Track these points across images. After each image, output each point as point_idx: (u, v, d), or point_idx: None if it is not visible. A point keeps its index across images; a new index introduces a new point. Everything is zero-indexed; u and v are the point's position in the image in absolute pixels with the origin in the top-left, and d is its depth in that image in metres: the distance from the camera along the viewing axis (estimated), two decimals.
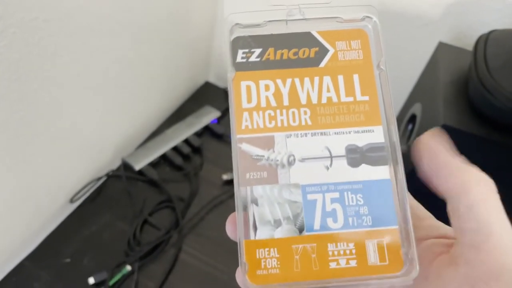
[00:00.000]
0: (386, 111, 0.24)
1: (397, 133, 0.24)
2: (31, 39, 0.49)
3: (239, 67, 0.25)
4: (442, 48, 0.66)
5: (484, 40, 0.57)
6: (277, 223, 0.23)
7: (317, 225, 0.23)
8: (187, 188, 0.73)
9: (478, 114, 0.54)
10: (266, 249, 0.23)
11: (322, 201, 0.23)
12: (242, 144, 0.24)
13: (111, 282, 0.59)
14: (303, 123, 0.24)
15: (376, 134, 0.24)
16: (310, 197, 0.23)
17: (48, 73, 0.53)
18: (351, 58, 0.25)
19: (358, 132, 0.24)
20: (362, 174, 0.24)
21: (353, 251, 0.23)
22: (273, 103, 0.24)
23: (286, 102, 0.24)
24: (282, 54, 0.25)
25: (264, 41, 0.25)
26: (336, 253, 0.23)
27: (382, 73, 0.25)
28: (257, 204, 0.23)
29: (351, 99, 0.24)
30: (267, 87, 0.24)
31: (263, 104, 0.24)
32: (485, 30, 0.59)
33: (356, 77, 0.25)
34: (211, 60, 0.97)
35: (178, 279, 0.62)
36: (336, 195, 0.23)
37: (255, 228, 0.23)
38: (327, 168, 0.24)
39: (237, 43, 0.25)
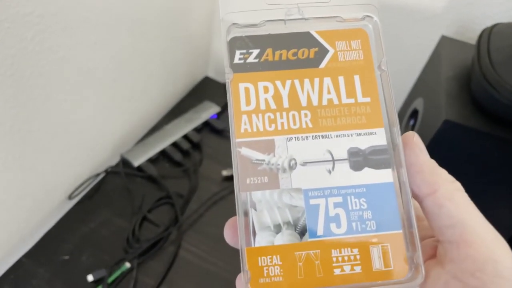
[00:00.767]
0: (388, 112, 0.24)
1: (400, 136, 0.23)
2: (26, 34, 0.48)
3: (236, 68, 0.24)
4: (444, 42, 0.65)
5: (488, 34, 0.56)
6: (277, 229, 0.23)
7: (320, 230, 0.22)
8: (187, 184, 0.72)
9: (481, 109, 0.54)
10: (269, 257, 0.22)
11: (325, 206, 0.23)
12: (242, 149, 0.23)
13: (110, 279, 0.59)
14: (304, 126, 0.23)
15: (378, 137, 0.24)
16: (312, 202, 0.23)
17: (43, 68, 0.53)
18: (352, 58, 0.24)
19: (360, 134, 0.24)
20: (365, 177, 0.23)
21: (358, 256, 0.22)
22: (273, 105, 0.24)
23: (286, 105, 0.24)
24: (281, 55, 0.24)
25: (262, 41, 0.24)
26: (340, 259, 0.22)
27: (384, 74, 0.24)
28: (255, 209, 0.23)
29: (352, 100, 0.24)
30: (266, 89, 0.24)
31: (263, 106, 0.24)
32: (488, 23, 0.59)
33: (357, 78, 0.24)
34: (211, 55, 0.96)
35: (178, 276, 0.61)
36: (339, 199, 0.23)
37: (254, 234, 0.23)
38: (330, 172, 0.23)
39: (234, 44, 0.24)
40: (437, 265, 0.22)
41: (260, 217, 0.23)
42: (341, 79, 0.24)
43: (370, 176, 0.23)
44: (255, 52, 0.24)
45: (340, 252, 0.22)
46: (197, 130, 0.81)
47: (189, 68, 0.90)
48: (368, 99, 0.24)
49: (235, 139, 0.23)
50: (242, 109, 0.24)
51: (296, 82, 0.24)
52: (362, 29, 0.25)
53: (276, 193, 0.23)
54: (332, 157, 0.23)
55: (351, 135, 0.24)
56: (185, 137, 0.78)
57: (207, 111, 0.83)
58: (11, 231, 0.60)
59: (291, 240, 0.22)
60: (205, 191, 0.72)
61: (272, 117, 0.23)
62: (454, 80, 0.58)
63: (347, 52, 0.24)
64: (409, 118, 0.68)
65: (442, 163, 0.23)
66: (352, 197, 0.23)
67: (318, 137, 0.23)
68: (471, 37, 0.66)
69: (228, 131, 0.81)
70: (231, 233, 0.23)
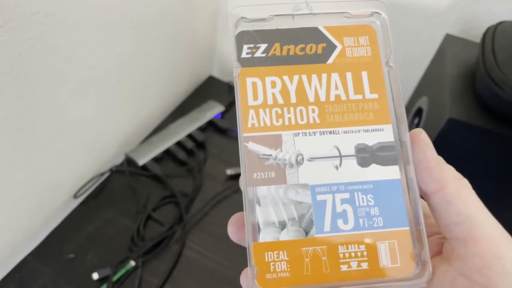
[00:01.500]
0: (395, 109, 0.24)
1: (408, 132, 0.23)
2: (31, 34, 0.48)
3: (244, 62, 0.24)
4: (449, 40, 0.65)
5: (492, 32, 0.56)
6: (282, 225, 0.23)
7: (327, 226, 0.22)
8: (191, 183, 0.72)
9: (485, 107, 0.54)
10: (275, 252, 0.22)
11: (332, 202, 0.23)
12: (249, 143, 0.23)
13: (115, 278, 0.59)
14: (311, 121, 0.23)
15: (386, 133, 0.24)
16: (319, 197, 0.23)
17: (49, 68, 0.53)
18: (359, 54, 0.24)
19: (367, 131, 0.24)
20: (372, 174, 0.23)
21: (365, 253, 0.22)
22: (280, 100, 0.24)
23: (293, 100, 0.24)
24: (288, 50, 0.24)
25: (270, 36, 0.24)
26: (347, 255, 0.22)
27: (392, 70, 0.24)
28: (260, 205, 0.23)
29: (360, 97, 0.24)
30: (273, 84, 0.24)
31: (270, 101, 0.24)
32: (493, 21, 0.58)
33: (364, 74, 0.24)
34: (215, 54, 0.96)
35: (182, 275, 0.62)
36: (346, 195, 0.23)
37: (259, 230, 0.23)
38: (337, 168, 0.23)
39: (242, 38, 0.24)
40: (444, 262, 0.22)
41: (265, 213, 0.23)
42: (348, 75, 0.24)
43: (378, 172, 0.23)
44: (263, 46, 0.24)
45: (347, 248, 0.22)
46: (202, 129, 0.81)
47: (193, 67, 0.90)
48: (375, 96, 0.24)
49: (242, 134, 0.23)
50: (250, 104, 0.24)
51: (304, 77, 0.24)
52: (370, 25, 0.25)
53: (281, 189, 0.23)
54: (340, 153, 0.23)
55: (359, 131, 0.24)
56: (190, 136, 0.79)
57: (212, 111, 0.83)
58: (16, 230, 0.60)
59: (297, 236, 0.22)
60: (210, 190, 0.72)
61: (280, 112, 0.24)
62: (458, 79, 0.58)
63: (355, 48, 0.24)
64: (413, 117, 0.67)
65: (446, 161, 0.23)
66: (359, 193, 0.23)
67: (325, 133, 0.23)
68: (476, 35, 0.66)
69: (232, 131, 0.81)
70: (234, 229, 0.23)
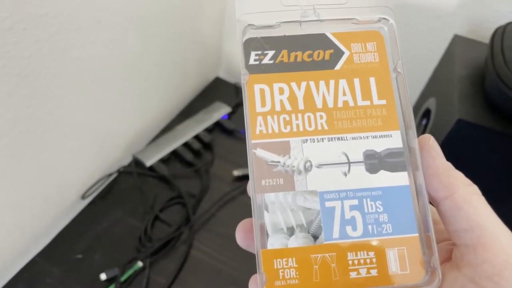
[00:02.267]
0: (404, 115, 0.24)
1: (416, 138, 0.23)
2: (41, 35, 0.49)
3: (252, 69, 0.24)
4: (457, 41, 0.65)
5: (501, 32, 0.55)
6: (290, 231, 0.23)
7: (336, 233, 0.22)
8: (198, 184, 0.73)
9: (494, 108, 0.53)
10: (284, 259, 0.22)
11: (341, 209, 0.23)
12: (257, 150, 0.23)
13: (123, 278, 0.59)
14: (319, 127, 0.23)
15: (394, 139, 0.23)
16: (328, 204, 0.23)
17: (58, 69, 0.53)
18: (367, 60, 0.24)
19: (375, 137, 0.23)
20: (381, 180, 0.23)
21: (374, 260, 0.22)
22: (288, 107, 0.24)
23: (301, 106, 0.24)
24: (296, 57, 0.24)
25: (277, 42, 0.24)
26: (356, 262, 0.22)
27: (400, 76, 0.24)
28: (268, 211, 0.23)
29: (367, 103, 0.24)
30: (281, 91, 0.24)
31: (278, 108, 0.24)
32: (502, 22, 0.58)
33: (372, 80, 0.24)
34: (222, 55, 0.96)
35: (190, 275, 0.62)
36: (355, 202, 0.23)
37: (267, 236, 0.23)
38: (345, 175, 0.23)
39: (249, 45, 0.24)
40: (453, 268, 0.22)
41: (273, 219, 0.23)
42: (356, 81, 0.24)
43: (386, 179, 0.23)
44: (271, 53, 0.24)
45: (356, 255, 0.22)
46: (209, 130, 0.81)
47: (200, 68, 0.90)
48: (383, 102, 0.24)
49: (251, 140, 0.23)
50: (258, 111, 0.24)
51: (312, 83, 0.24)
52: (378, 31, 0.25)
53: (290, 195, 0.23)
54: (348, 159, 0.23)
55: (367, 137, 0.23)
56: (197, 137, 0.79)
57: (218, 112, 0.84)
58: (25, 230, 0.61)
59: (305, 243, 0.22)
60: (217, 191, 0.72)
61: (288, 118, 0.23)
62: (467, 79, 0.57)
63: (363, 54, 0.24)
64: (421, 118, 0.67)
65: (455, 163, 0.23)
66: (368, 199, 0.23)
67: (333, 139, 0.23)
68: (484, 36, 0.65)
69: (239, 132, 0.81)
70: (242, 236, 0.23)
